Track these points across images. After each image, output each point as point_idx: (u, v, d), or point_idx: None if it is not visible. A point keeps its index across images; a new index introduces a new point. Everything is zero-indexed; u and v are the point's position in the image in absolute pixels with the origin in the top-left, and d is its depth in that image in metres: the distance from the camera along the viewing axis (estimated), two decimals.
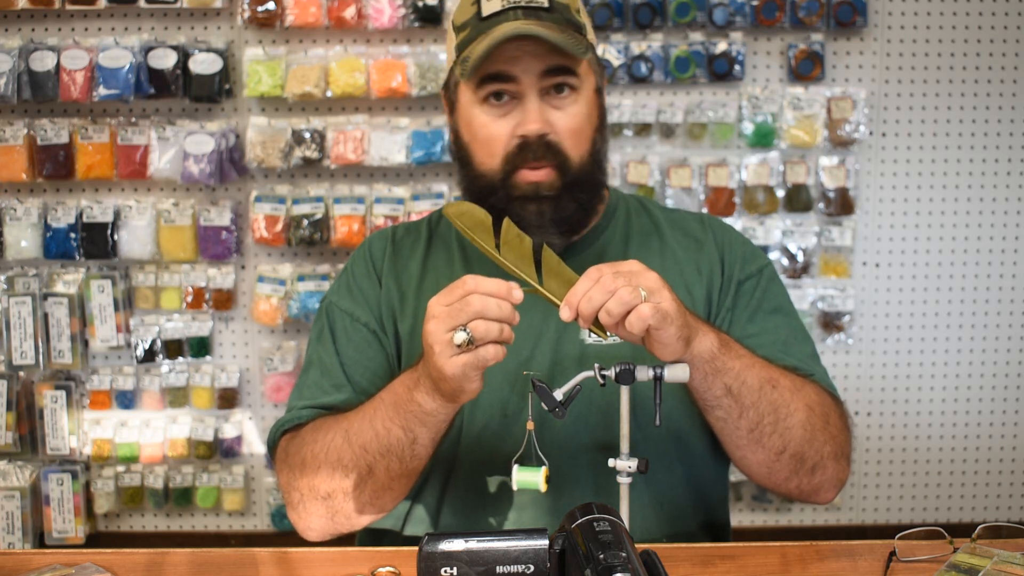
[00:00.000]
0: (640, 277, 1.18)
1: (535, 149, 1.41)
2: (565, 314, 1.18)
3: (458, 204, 1.26)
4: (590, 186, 1.47)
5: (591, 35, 1.48)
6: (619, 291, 1.15)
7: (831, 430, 1.40)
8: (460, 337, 1.16)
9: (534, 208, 1.43)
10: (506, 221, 1.24)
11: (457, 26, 1.48)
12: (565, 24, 1.42)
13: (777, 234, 3.11)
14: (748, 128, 3.09)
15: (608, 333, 1.20)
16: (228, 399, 3.18)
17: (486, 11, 1.43)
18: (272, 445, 1.51)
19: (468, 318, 1.16)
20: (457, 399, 1.25)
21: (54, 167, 3.04)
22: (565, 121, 1.43)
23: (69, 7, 3.00)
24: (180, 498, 3.21)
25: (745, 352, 1.33)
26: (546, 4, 1.42)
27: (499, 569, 1.03)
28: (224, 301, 3.14)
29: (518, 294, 1.17)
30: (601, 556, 0.97)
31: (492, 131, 1.43)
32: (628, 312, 1.16)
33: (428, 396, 1.27)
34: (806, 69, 3.06)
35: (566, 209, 1.44)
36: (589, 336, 1.46)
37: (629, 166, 3.09)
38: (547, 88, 1.42)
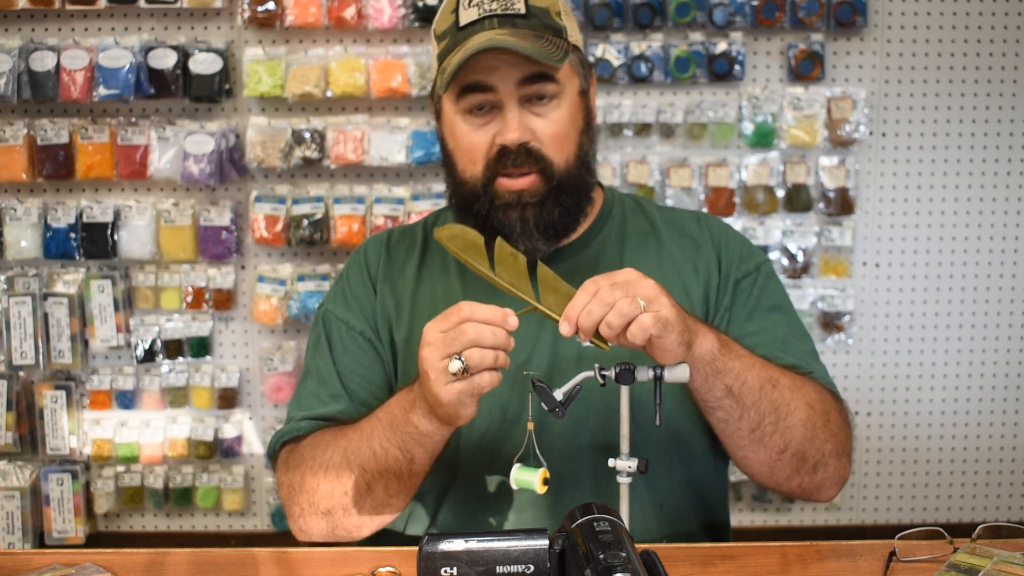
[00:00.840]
0: (637, 286, 1.18)
1: (515, 156, 1.41)
2: (565, 329, 1.18)
3: (448, 227, 1.25)
4: (576, 190, 1.46)
5: (574, 36, 1.46)
6: (618, 303, 1.15)
7: (832, 428, 1.40)
8: (455, 366, 1.17)
9: (517, 215, 1.42)
10: (499, 241, 1.24)
11: (438, 35, 1.47)
12: (543, 29, 1.41)
13: (777, 234, 3.11)
14: (748, 128, 3.09)
15: (609, 343, 1.20)
16: (228, 399, 3.18)
17: (463, 20, 1.42)
18: (272, 455, 1.52)
19: (463, 346, 1.17)
20: (453, 423, 1.26)
21: (54, 167, 3.04)
22: (546, 127, 1.42)
23: (69, 7, 3.00)
24: (180, 498, 3.21)
25: (745, 352, 1.33)
26: (523, 11, 1.41)
27: (499, 569, 1.03)
28: (224, 301, 3.14)
29: (513, 321, 1.18)
30: (601, 556, 0.97)
31: (473, 140, 1.43)
32: (629, 323, 1.16)
33: (424, 419, 1.27)
34: (806, 69, 3.06)
35: (551, 215, 1.43)
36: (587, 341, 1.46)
37: (629, 166, 3.09)
38: (527, 96, 1.41)
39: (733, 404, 1.31)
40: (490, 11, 1.40)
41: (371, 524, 1.42)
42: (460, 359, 1.17)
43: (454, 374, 1.17)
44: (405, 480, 1.35)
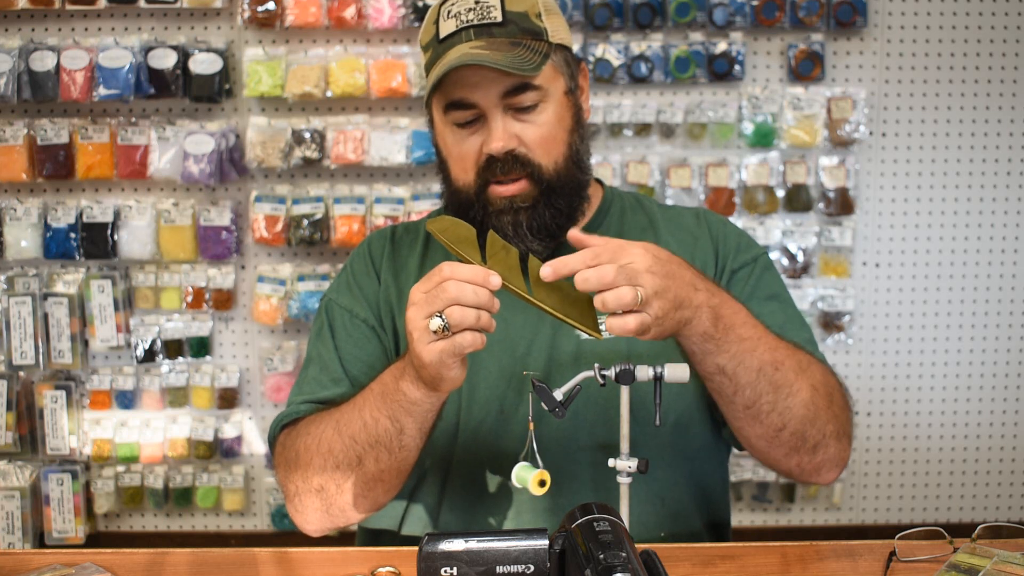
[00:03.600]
0: (641, 278, 1.17)
1: (503, 164, 1.42)
2: (546, 272, 1.18)
3: (440, 220, 1.26)
4: (568, 190, 1.47)
5: (557, 35, 1.46)
6: (621, 290, 1.15)
7: (834, 409, 1.39)
8: (435, 323, 1.17)
9: (509, 219, 1.44)
10: (491, 234, 1.24)
11: (423, 46, 1.49)
12: (520, 35, 1.41)
13: (777, 234, 3.11)
14: (748, 128, 3.09)
15: (603, 333, 1.20)
16: (228, 399, 3.18)
17: (443, 32, 1.43)
18: (272, 440, 1.52)
19: (444, 304, 1.17)
20: (439, 387, 1.25)
21: (54, 167, 3.04)
22: (532, 132, 1.43)
23: (69, 7, 3.00)
24: (180, 498, 3.21)
25: (751, 334, 1.30)
26: (499, 19, 1.41)
27: (499, 569, 1.03)
28: (224, 301, 3.14)
29: (495, 280, 1.17)
30: (601, 556, 0.97)
31: (463, 149, 1.45)
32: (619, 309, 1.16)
33: (412, 385, 1.27)
34: (806, 69, 3.06)
35: (542, 217, 1.44)
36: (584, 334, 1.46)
37: (629, 166, 3.09)
38: (510, 104, 1.42)
39: (726, 381, 1.31)
40: (467, 22, 1.41)
41: (364, 503, 1.41)
42: (441, 317, 1.16)
43: (435, 332, 1.17)
44: (395, 453, 1.34)
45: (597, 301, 1.16)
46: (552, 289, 1.21)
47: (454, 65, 1.36)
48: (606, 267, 1.16)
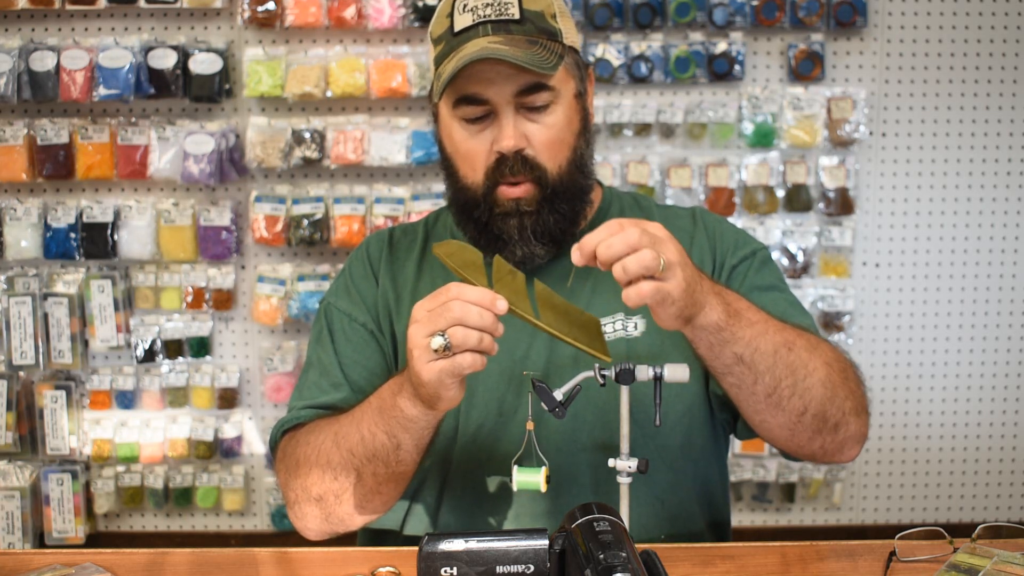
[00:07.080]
0: (664, 245, 1.15)
1: (512, 164, 1.41)
2: (576, 257, 1.16)
3: (447, 244, 1.25)
4: (571, 195, 1.46)
5: (570, 38, 1.46)
6: (643, 251, 1.12)
7: (850, 385, 1.39)
8: (437, 342, 1.16)
9: (515, 223, 1.43)
10: (497, 259, 1.23)
11: (434, 39, 1.47)
12: (537, 34, 1.41)
13: (777, 234, 3.11)
14: (748, 128, 3.09)
15: (611, 355, 1.20)
16: (228, 399, 3.18)
17: (458, 26, 1.42)
18: (273, 445, 1.52)
19: (447, 324, 1.16)
20: (436, 406, 1.25)
21: (54, 167, 3.04)
22: (542, 134, 1.42)
23: (69, 7, 3.00)
24: (180, 498, 3.21)
25: (759, 318, 1.30)
26: (517, 16, 1.40)
27: (499, 569, 1.03)
28: (224, 301, 3.14)
29: (502, 305, 1.17)
30: (601, 556, 0.97)
31: (471, 146, 1.44)
32: (641, 275, 1.13)
33: (410, 402, 1.27)
34: (806, 69, 3.06)
35: (547, 222, 1.44)
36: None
37: (629, 166, 3.09)
38: (523, 102, 1.41)
39: (745, 371, 1.29)
40: (484, 16, 1.40)
41: (363, 513, 1.41)
42: (443, 336, 1.16)
43: (436, 351, 1.16)
44: (393, 467, 1.34)
45: (617, 268, 1.13)
46: (559, 313, 1.20)
47: (475, 57, 1.35)
48: (631, 230, 1.14)
